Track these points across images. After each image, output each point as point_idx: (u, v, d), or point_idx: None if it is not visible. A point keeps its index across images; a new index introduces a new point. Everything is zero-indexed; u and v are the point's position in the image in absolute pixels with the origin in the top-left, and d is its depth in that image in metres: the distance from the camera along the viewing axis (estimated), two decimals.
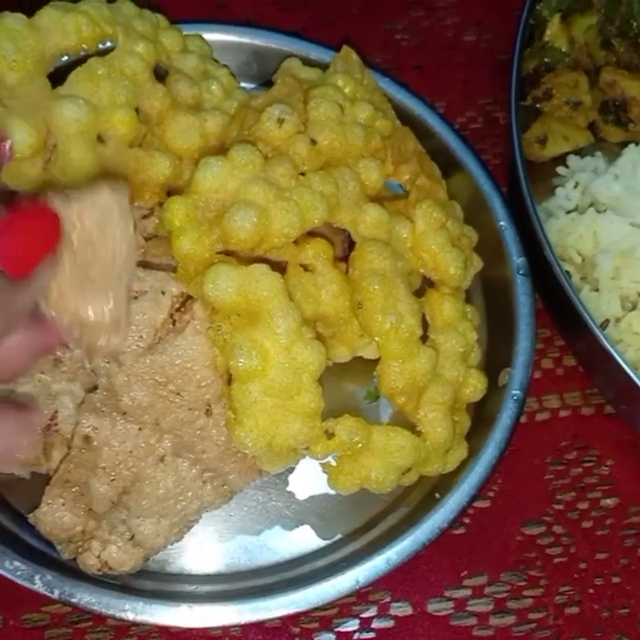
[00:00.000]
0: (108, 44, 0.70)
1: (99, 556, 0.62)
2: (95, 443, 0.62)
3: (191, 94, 0.71)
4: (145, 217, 0.67)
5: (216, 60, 0.79)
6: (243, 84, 0.86)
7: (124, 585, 0.65)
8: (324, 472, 0.66)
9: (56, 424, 0.63)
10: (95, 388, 0.64)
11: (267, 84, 0.79)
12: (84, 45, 0.68)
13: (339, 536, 0.72)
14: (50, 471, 0.63)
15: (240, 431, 0.60)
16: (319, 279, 0.66)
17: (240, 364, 0.59)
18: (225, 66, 0.79)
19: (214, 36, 0.85)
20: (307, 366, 0.61)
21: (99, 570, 0.63)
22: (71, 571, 0.64)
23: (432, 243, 0.70)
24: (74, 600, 0.63)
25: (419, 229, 0.70)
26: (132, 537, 0.63)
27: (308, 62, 0.81)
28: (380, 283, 0.65)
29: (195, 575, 0.69)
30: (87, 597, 0.63)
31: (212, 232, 0.63)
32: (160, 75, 0.72)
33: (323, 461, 0.65)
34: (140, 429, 0.63)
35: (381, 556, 0.66)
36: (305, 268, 0.66)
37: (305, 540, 0.72)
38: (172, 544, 0.65)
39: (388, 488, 0.66)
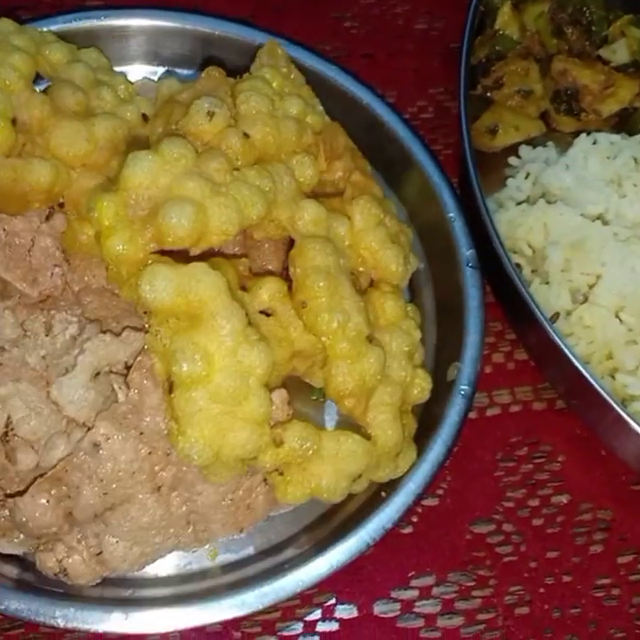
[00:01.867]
0: None
1: (60, 561, 0.61)
2: (102, 452, 0.60)
3: (75, 101, 0.68)
4: (47, 218, 0.65)
5: (113, 71, 0.77)
6: (187, 72, 0.85)
7: (56, 589, 0.63)
8: (270, 483, 0.63)
9: (12, 429, 0.60)
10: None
11: None
12: None
13: (284, 537, 0.70)
14: (19, 474, 0.60)
15: (184, 442, 0.57)
16: (283, 319, 0.63)
17: (183, 370, 0.56)
18: (122, 74, 0.76)
19: (158, 22, 0.83)
20: (254, 369, 0.58)
21: (55, 574, 0.61)
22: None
23: (371, 239, 0.68)
24: (0, 607, 0.60)
25: (357, 226, 0.68)
26: (100, 553, 0.61)
27: (255, 50, 0.78)
28: (325, 280, 0.62)
29: (130, 579, 0.66)
30: (15, 604, 0.61)
31: (145, 231, 0.60)
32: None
33: (270, 472, 0.62)
34: (149, 453, 0.61)
35: (324, 557, 0.64)
36: (265, 313, 0.63)
37: (248, 541, 0.69)
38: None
39: (340, 497, 0.64)
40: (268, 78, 0.72)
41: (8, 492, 0.60)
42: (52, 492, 0.60)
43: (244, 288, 0.63)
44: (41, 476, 0.60)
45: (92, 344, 0.60)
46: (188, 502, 0.63)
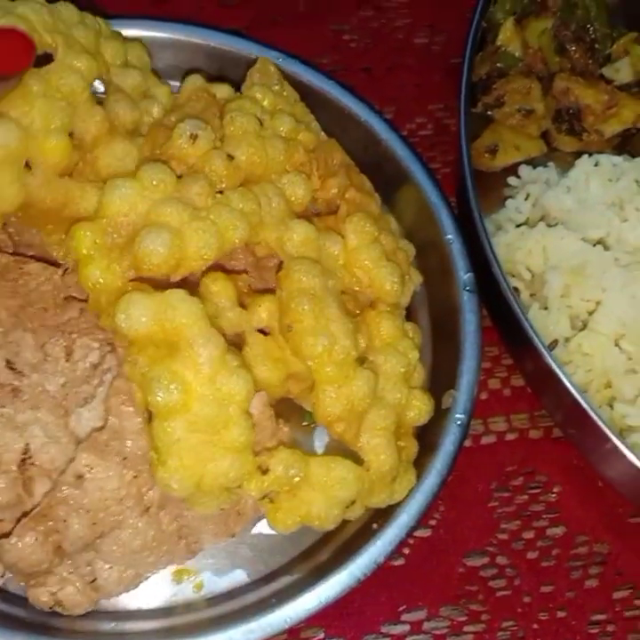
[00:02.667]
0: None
1: (54, 594, 0.60)
2: (86, 482, 0.59)
3: (131, 119, 0.66)
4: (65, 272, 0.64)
5: (156, 73, 0.74)
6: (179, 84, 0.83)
7: (35, 621, 0.61)
8: (262, 511, 0.63)
9: (30, 457, 0.59)
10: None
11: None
12: None
13: (272, 568, 0.68)
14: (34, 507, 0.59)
15: (163, 473, 0.56)
16: (281, 339, 0.62)
17: (159, 399, 0.55)
18: (165, 82, 0.74)
19: (154, 33, 0.81)
20: (233, 397, 0.57)
21: (50, 608, 0.60)
22: None
23: (365, 257, 0.67)
24: None
25: (350, 244, 0.67)
26: (94, 580, 0.60)
27: (250, 63, 0.77)
28: (310, 302, 0.61)
29: (113, 612, 0.65)
30: None
31: (123, 259, 0.59)
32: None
33: (260, 499, 0.61)
34: (135, 477, 0.60)
35: (313, 592, 0.62)
36: (262, 332, 0.62)
37: (236, 572, 0.68)
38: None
39: (332, 524, 0.62)
40: (258, 97, 0.71)
41: None
42: (39, 529, 0.58)
43: (243, 305, 0.62)
44: (25, 515, 0.58)
45: (111, 376, 0.60)
46: (179, 518, 0.62)
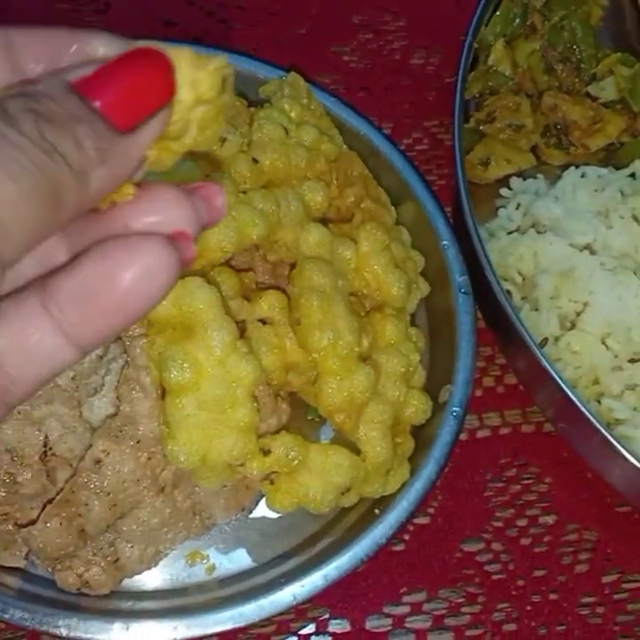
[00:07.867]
0: None
1: (80, 576, 0.63)
2: (104, 467, 0.62)
3: None
4: None
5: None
6: None
7: (58, 600, 0.65)
8: (263, 492, 0.66)
9: (50, 448, 0.63)
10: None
11: None
12: None
13: (279, 552, 0.72)
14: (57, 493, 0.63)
15: (173, 445, 0.60)
16: (279, 329, 0.66)
17: (172, 377, 0.59)
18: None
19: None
20: (241, 380, 0.61)
21: (78, 589, 0.63)
22: (2, 585, 0.64)
23: (375, 263, 0.71)
24: (6, 616, 0.62)
25: (362, 250, 0.71)
26: (117, 560, 0.64)
27: (258, 82, 0.82)
28: (319, 299, 0.65)
29: (131, 591, 0.68)
30: (19, 613, 0.62)
31: None
32: None
33: (261, 480, 0.65)
34: (149, 459, 0.63)
35: (319, 571, 0.66)
36: (263, 322, 0.66)
37: (245, 556, 0.71)
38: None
39: (326, 508, 0.66)
40: (286, 108, 0.76)
41: (20, 522, 0.63)
42: (63, 514, 0.62)
43: (247, 299, 0.66)
44: (50, 502, 0.62)
45: (117, 365, 0.64)
46: (192, 495, 0.66)
